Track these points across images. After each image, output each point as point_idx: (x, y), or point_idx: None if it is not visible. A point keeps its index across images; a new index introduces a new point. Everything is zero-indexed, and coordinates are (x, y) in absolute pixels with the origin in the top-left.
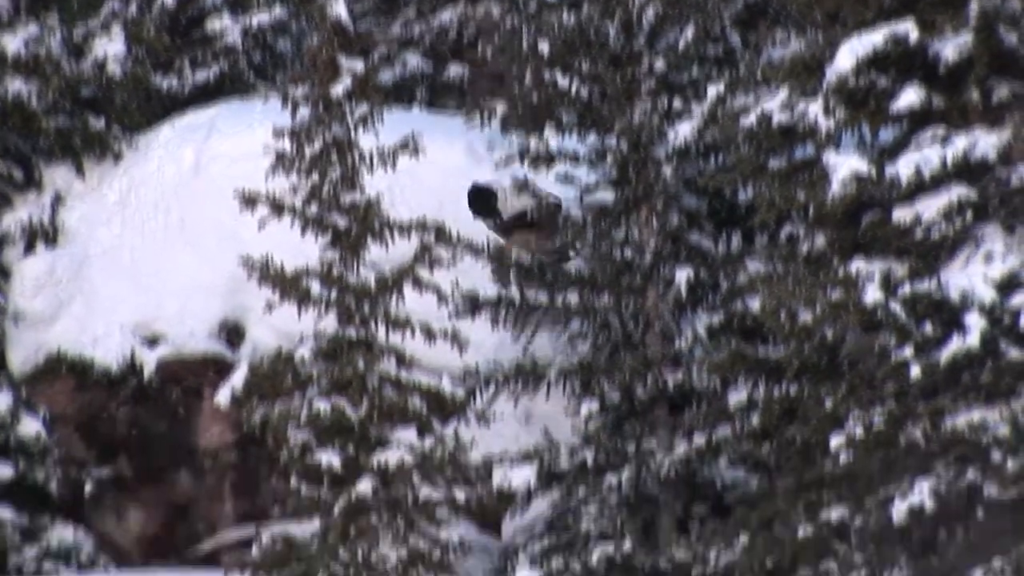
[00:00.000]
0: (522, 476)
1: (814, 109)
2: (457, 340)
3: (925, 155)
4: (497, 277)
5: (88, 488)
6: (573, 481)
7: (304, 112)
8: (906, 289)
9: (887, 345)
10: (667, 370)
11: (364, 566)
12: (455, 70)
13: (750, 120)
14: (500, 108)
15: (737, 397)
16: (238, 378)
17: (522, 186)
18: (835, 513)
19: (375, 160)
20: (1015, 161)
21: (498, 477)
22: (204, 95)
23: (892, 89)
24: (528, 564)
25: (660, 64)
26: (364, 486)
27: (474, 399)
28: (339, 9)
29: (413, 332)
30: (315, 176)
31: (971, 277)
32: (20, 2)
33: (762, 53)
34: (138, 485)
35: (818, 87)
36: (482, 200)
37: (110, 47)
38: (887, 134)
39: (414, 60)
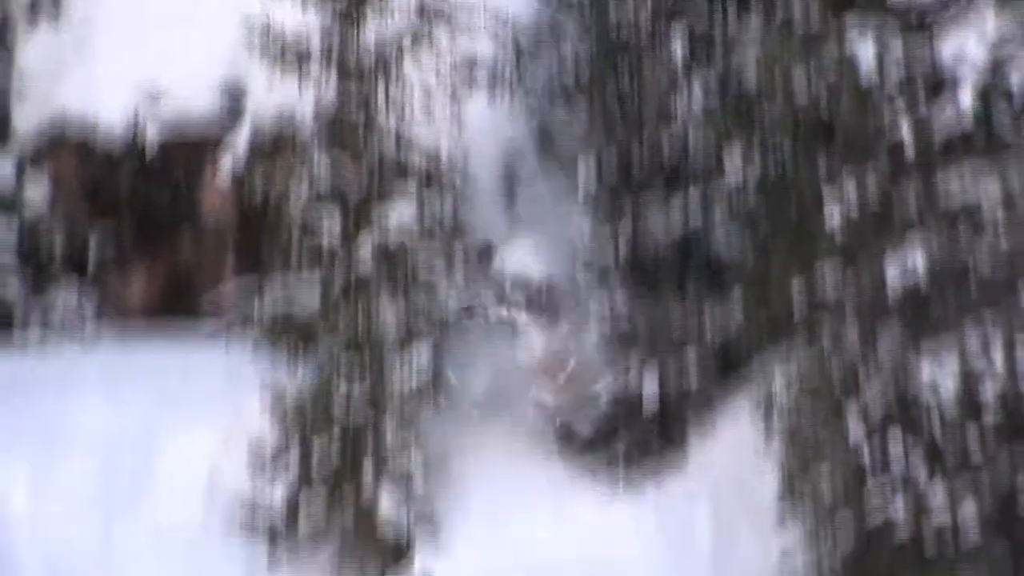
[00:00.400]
0: (522, 248)
1: None
2: (456, 117)
3: None
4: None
5: (92, 251)
6: (572, 259)
7: None
8: (900, 59)
9: (881, 115)
10: (664, 144)
11: (364, 337)
12: None
13: None
14: None
15: (733, 169)
16: (239, 151)
17: None
18: (829, 282)
19: None
20: None
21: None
22: None
23: None
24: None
25: None
26: (364, 259)
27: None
28: None
29: (412, 109)
30: None
31: (964, 47)
32: None
33: None
34: (141, 247)
35: None
36: None
37: None
38: None
39: None
